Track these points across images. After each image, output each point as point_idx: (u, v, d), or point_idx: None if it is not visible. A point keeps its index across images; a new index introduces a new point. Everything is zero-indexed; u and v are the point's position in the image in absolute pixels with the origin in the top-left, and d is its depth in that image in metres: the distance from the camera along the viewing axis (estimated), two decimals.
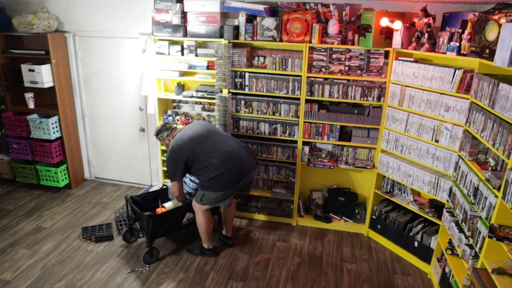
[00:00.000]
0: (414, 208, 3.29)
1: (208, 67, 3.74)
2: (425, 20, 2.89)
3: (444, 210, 2.95)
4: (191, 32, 3.56)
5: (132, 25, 3.98)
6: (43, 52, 4.00)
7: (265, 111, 3.63)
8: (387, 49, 3.21)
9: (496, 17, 2.30)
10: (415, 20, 2.97)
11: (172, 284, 2.99)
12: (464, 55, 2.66)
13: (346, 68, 3.36)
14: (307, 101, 3.51)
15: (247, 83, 3.57)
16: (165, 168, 4.13)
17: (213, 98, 3.69)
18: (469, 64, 2.88)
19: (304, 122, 3.56)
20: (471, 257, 2.42)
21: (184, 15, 3.54)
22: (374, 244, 3.63)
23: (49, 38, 3.91)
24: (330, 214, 3.90)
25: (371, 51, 3.26)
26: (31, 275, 3.04)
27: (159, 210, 3.28)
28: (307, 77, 3.43)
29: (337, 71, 3.38)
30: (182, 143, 3.00)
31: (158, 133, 3.24)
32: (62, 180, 4.38)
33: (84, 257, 3.28)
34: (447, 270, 2.84)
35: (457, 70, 2.74)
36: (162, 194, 3.57)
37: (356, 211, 3.80)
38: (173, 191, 3.13)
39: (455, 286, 2.66)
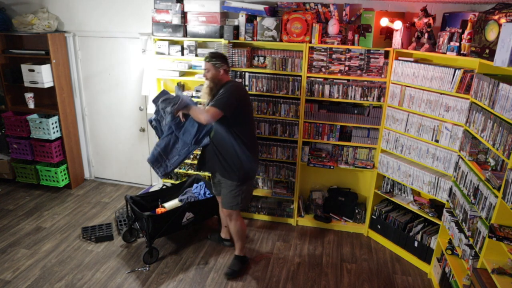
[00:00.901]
0: (414, 208, 3.29)
1: None
2: (425, 20, 2.89)
3: (444, 210, 2.95)
4: (191, 32, 3.56)
5: (132, 25, 3.99)
6: (43, 52, 4.00)
7: (265, 111, 3.63)
8: (387, 49, 3.21)
9: (496, 17, 2.30)
10: (415, 20, 2.97)
11: (172, 284, 2.99)
12: (464, 55, 2.66)
13: (346, 68, 3.36)
14: (307, 101, 3.51)
15: (247, 83, 3.57)
16: None
17: None
18: (469, 64, 2.88)
19: (304, 122, 3.56)
20: (471, 257, 2.42)
21: (184, 15, 3.54)
22: (374, 244, 3.63)
23: (49, 38, 3.91)
24: (330, 214, 3.90)
25: (371, 51, 3.26)
26: (31, 275, 3.04)
27: (159, 210, 3.28)
28: (307, 77, 3.43)
29: (337, 71, 3.38)
30: (244, 90, 2.86)
31: (216, 57, 2.75)
32: (62, 180, 4.38)
33: (84, 257, 3.28)
34: (447, 270, 2.84)
35: (457, 70, 2.74)
36: (162, 194, 3.57)
37: (356, 211, 3.80)
38: (206, 117, 2.62)
39: (455, 286, 2.66)
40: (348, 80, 3.38)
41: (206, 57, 2.75)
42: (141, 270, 3.14)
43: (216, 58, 2.74)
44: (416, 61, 3.07)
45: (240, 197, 2.85)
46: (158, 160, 2.88)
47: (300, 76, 3.43)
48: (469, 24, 2.58)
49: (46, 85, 4.03)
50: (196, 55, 3.66)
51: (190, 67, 3.75)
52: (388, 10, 3.26)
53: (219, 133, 2.78)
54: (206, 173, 3.86)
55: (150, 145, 4.41)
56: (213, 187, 3.18)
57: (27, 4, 4.20)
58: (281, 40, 3.37)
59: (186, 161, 3.91)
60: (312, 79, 3.42)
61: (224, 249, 3.44)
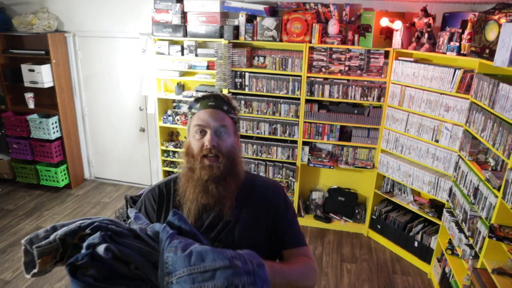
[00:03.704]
0: (414, 208, 3.28)
1: (208, 67, 3.74)
2: (425, 20, 2.89)
3: (444, 210, 2.95)
4: (191, 32, 3.56)
5: (132, 25, 3.98)
6: (43, 52, 4.00)
7: (265, 111, 3.63)
8: (387, 49, 3.21)
9: (496, 17, 2.30)
10: (415, 20, 2.97)
11: None
12: (464, 55, 2.66)
13: (346, 68, 3.36)
14: (307, 101, 3.51)
15: (247, 83, 3.57)
16: (165, 168, 4.13)
17: None
18: (469, 64, 2.88)
19: (304, 122, 3.56)
20: (471, 257, 2.42)
21: (184, 15, 3.54)
22: (374, 244, 3.62)
23: (49, 38, 3.91)
24: (330, 214, 3.90)
25: (371, 51, 3.26)
26: None
27: None
28: (307, 77, 3.43)
29: (337, 71, 3.38)
30: None
31: (232, 106, 1.32)
32: (62, 180, 4.38)
33: None
34: (447, 270, 2.84)
35: (457, 70, 2.74)
36: None
37: (356, 211, 3.79)
38: (317, 272, 1.27)
39: (455, 286, 2.66)
40: (348, 80, 3.38)
41: (209, 99, 1.28)
42: None
43: (233, 109, 1.32)
44: (416, 61, 3.07)
45: None
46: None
47: (300, 76, 3.43)
48: (469, 24, 2.58)
49: (46, 85, 4.02)
50: (196, 55, 3.66)
51: (190, 67, 3.75)
52: (388, 10, 3.26)
53: None
54: None
55: (150, 146, 4.41)
56: None
57: (27, 4, 4.20)
58: (281, 40, 3.37)
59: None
60: (312, 79, 3.42)
61: None
